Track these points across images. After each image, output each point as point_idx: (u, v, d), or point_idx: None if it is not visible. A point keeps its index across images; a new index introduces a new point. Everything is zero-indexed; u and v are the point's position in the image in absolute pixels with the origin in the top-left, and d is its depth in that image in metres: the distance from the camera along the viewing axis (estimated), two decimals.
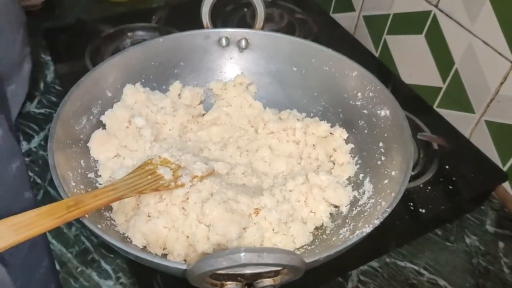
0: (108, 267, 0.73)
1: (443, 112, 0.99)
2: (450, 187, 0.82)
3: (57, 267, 0.73)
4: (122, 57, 0.78)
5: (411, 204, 0.79)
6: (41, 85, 1.04)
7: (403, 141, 0.67)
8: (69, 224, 0.78)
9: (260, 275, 0.49)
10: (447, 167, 0.86)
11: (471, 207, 0.86)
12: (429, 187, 0.82)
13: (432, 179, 0.83)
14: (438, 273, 0.76)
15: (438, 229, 0.82)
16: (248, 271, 0.48)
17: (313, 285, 0.72)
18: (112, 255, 0.74)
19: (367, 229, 0.55)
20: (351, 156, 0.78)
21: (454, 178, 0.84)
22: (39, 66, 1.08)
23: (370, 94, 0.76)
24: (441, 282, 0.75)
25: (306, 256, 0.49)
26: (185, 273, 0.49)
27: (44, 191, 0.84)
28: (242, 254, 0.42)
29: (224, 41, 0.85)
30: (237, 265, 0.43)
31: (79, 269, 0.73)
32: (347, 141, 0.80)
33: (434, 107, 1.01)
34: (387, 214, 0.56)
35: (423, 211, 0.78)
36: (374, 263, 0.77)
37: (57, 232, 0.77)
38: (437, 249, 0.79)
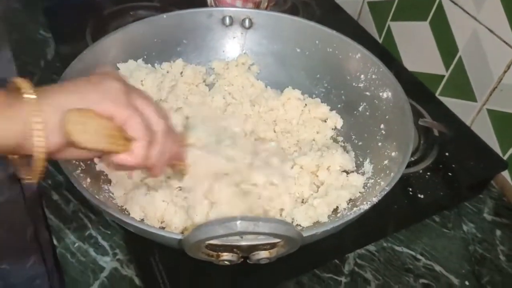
0: (105, 244, 0.73)
1: (445, 100, 0.98)
2: (450, 174, 0.82)
3: (55, 242, 0.73)
4: (125, 33, 0.78)
5: (410, 189, 0.79)
6: (42, 62, 1.03)
7: (404, 123, 0.67)
8: (67, 200, 0.78)
9: (256, 247, 0.49)
10: (447, 154, 0.85)
11: (470, 195, 0.86)
12: (428, 173, 0.82)
13: (431, 165, 0.83)
14: (435, 259, 0.76)
15: (436, 216, 0.82)
16: (244, 242, 0.48)
17: (310, 265, 0.72)
18: (109, 232, 0.74)
19: (365, 206, 0.54)
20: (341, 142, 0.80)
21: (453, 165, 0.83)
22: (39, 43, 1.08)
23: (373, 76, 0.76)
24: (437, 267, 0.75)
25: (303, 230, 0.49)
26: (180, 243, 0.49)
27: None
28: (238, 222, 0.42)
29: (227, 20, 0.85)
30: (233, 233, 0.43)
31: (76, 244, 0.73)
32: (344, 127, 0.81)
33: (436, 94, 1.00)
34: (385, 193, 0.56)
35: (422, 196, 0.78)
36: (371, 247, 0.77)
37: (55, 208, 0.77)
38: (434, 235, 0.79)
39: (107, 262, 0.71)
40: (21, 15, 1.15)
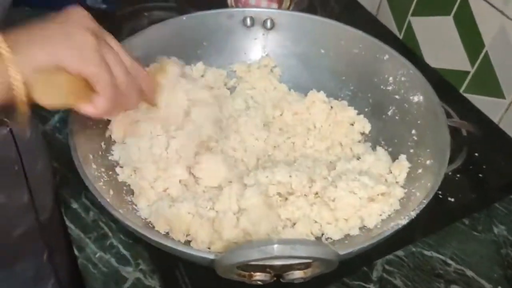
0: (127, 253, 0.72)
1: (470, 97, 0.96)
2: (480, 175, 0.80)
3: (76, 252, 0.72)
4: (143, 36, 0.77)
5: (440, 192, 0.77)
6: None
7: (437, 128, 0.65)
8: (86, 209, 0.77)
9: (290, 267, 0.48)
10: (476, 154, 0.83)
11: (501, 196, 0.83)
12: (458, 175, 0.80)
13: (461, 167, 0.80)
14: (466, 263, 0.74)
15: (465, 219, 0.80)
16: (278, 262, 0.46)
17: (339, 274, 0.71)
18: (131, 241, 0.73)
19: (403, 221, 0.53)
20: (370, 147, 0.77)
21: (484, 166, 0.81)
22: None
23: (402, 79, 0.74)
24: (469, 272, 0.73)
25: (339, 248, 0.47)
26: (212, 263, 0.47)
27: (61, 175, 0.82)
28: (275, 246, 0.41)
29: (248, 21, 0.84)
30: (270, 257, 0.41)
31: (98, 254, 0.72)
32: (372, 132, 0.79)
33: (461, 91, 0.98)
34: (423, 206, 0.53)
35: (452, 199, 0.76)
36: (400, 253, 0.75)
37: (75, 216, 0.76)
38: (464, 239, 0.77)
39: (129, 273, 0.70)
40: (32, 18, 1.14)
